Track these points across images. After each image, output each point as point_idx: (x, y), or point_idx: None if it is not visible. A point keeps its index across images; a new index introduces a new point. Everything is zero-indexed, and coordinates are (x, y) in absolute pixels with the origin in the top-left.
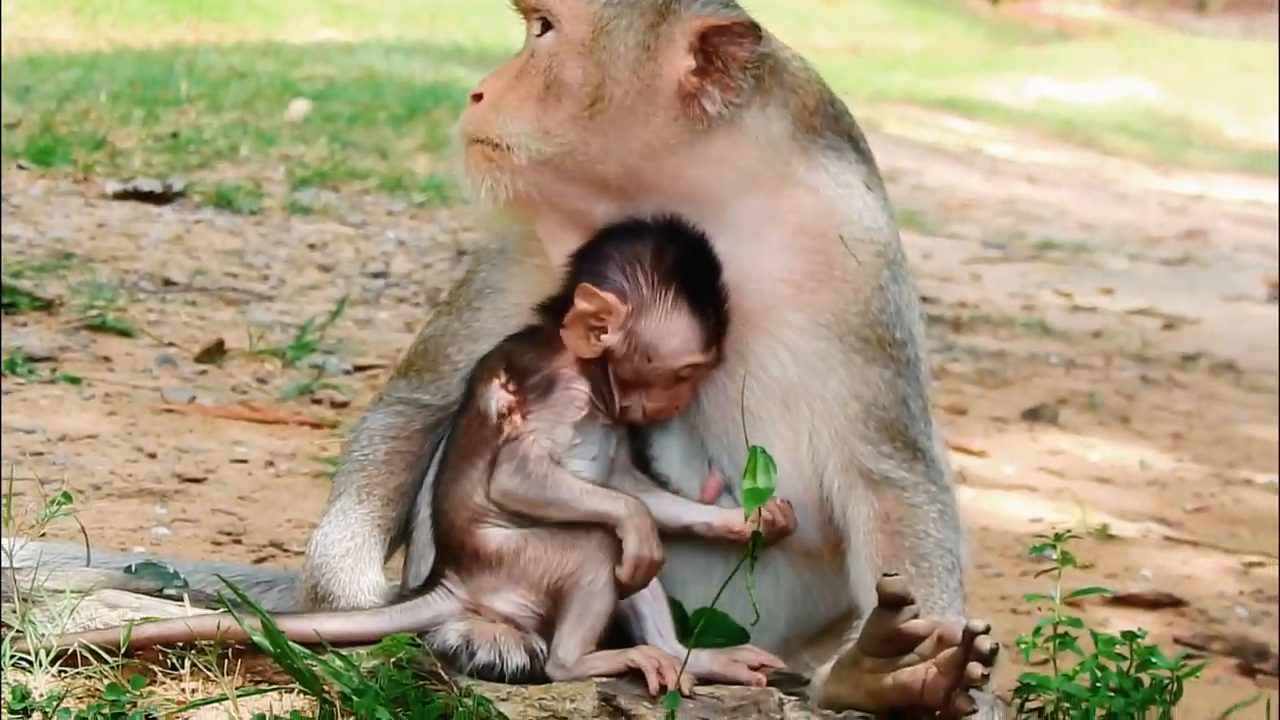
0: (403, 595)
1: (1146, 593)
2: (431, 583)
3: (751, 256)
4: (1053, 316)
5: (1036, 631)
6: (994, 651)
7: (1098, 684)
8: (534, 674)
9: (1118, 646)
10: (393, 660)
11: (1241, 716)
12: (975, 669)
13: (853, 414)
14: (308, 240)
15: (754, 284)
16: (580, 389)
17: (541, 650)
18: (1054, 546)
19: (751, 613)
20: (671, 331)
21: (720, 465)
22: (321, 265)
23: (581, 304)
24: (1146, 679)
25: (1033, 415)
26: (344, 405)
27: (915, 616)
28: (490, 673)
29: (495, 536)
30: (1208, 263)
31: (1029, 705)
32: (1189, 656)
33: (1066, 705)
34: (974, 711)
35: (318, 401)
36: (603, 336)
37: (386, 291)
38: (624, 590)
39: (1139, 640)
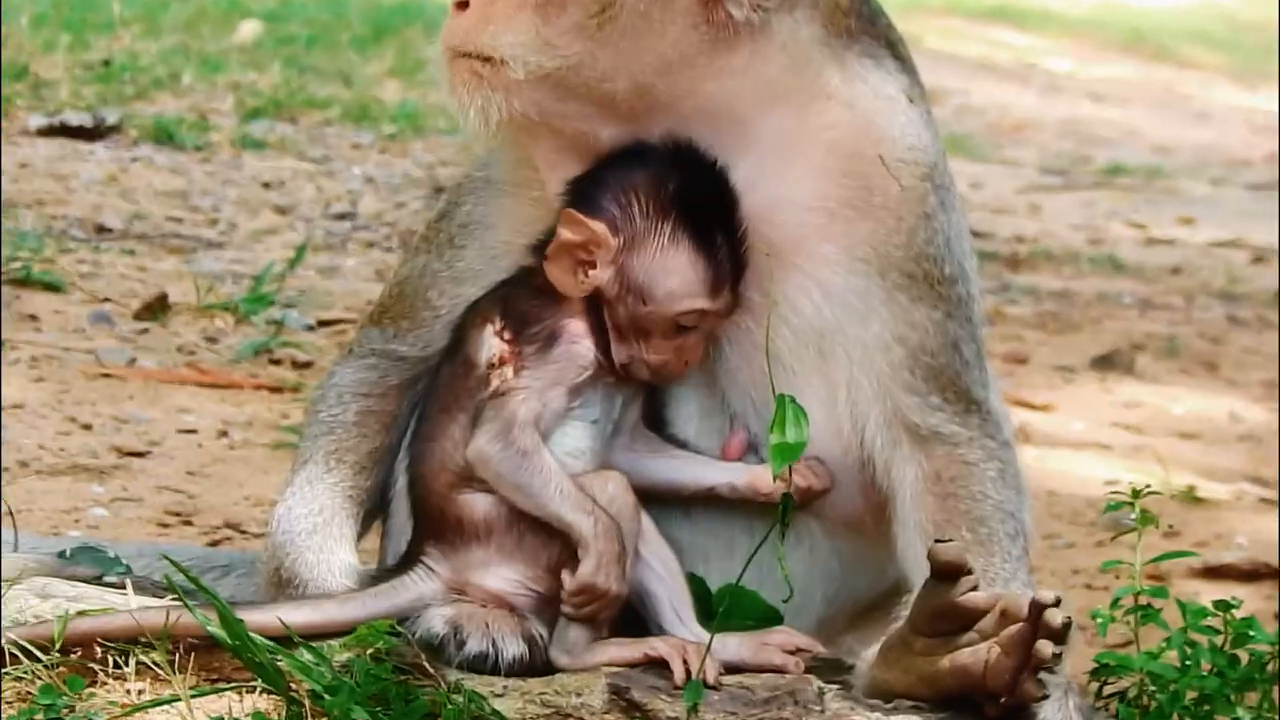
0: (377, 576)
1: (1241, 562)
2: (410, 560)
3: (778, 182)
4: (1124, 251)
5: (1115, 604)
6: (1067, 627)
7: (1187, 663)
8: (533, 664)
9: (1209, 619)
10: (369, 652)
11: None
12: (1045, 647)
13: (897, 360)
14: (261, 179)
15: (782, 214)
16: (585, 347)
17: (541, 636)
18: (1131, 505)
19: (784, 589)
20: (668, 270)
21: (744, 421)
22: (278, 207)
23: (566, 233)
24: (1244, 656)
25: (1104, 363)
26: (307, 365)
27: (974, 589)
28: (483, 664)
29: (481, 503)
30: None
31: (1108, 689)
32: None
33: (1152, 688)
34: (1045, 697)
35: (276, 362)
36: (591, 272)
37: (353, 235)
38: (572, 617)
39: (1234, 611)
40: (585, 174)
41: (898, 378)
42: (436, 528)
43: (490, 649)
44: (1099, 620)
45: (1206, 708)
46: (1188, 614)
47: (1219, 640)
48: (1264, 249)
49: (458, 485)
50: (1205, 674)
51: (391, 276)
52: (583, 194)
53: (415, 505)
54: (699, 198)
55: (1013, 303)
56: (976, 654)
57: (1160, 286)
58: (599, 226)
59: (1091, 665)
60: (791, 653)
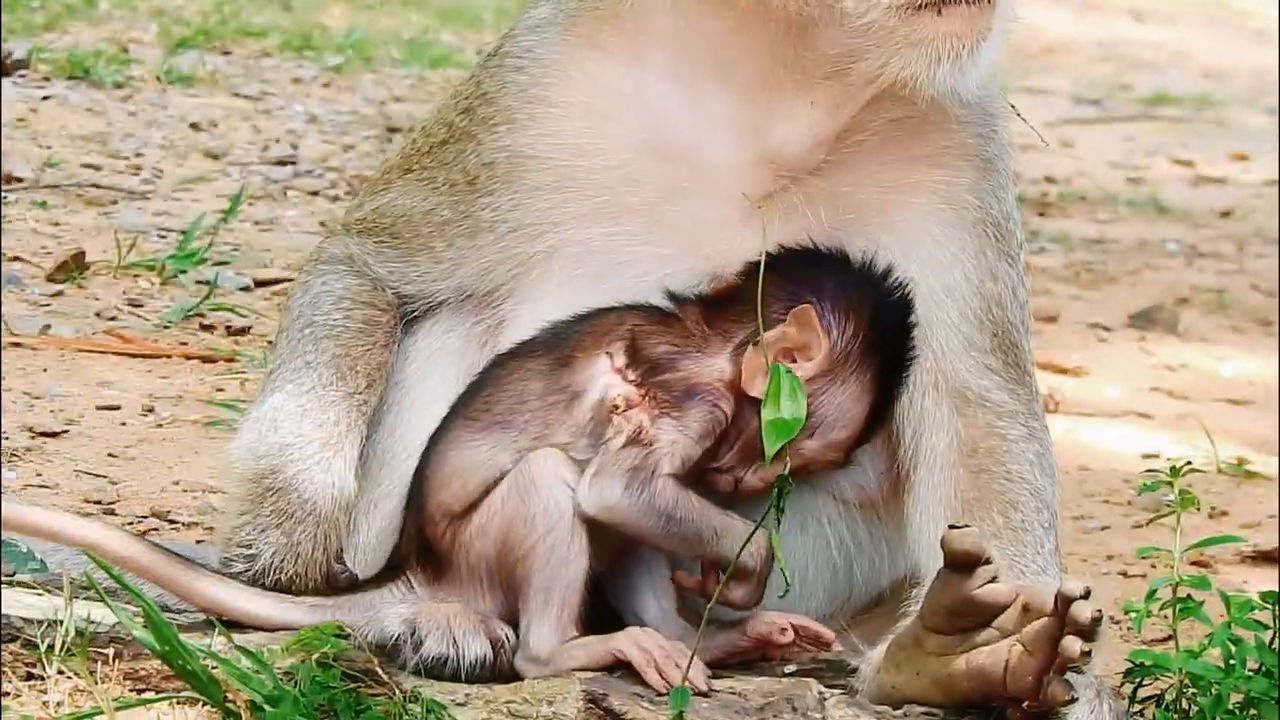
0: (337, 588)
1: None
2: (387, 577)
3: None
4: (1169, 192)
5: (1151, 596)
6: (1096, 621)
7: (1231, 662)
8: (498, 668)
9: (1255, 612)
10: (315, 657)
11: None
12: (1073, 645)
13: (970, 312)
14: (190, 118)
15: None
16: (723, 412)
17: (508, 638)
18: (1170, 484)
19: (780, 581)
20: (850, 418)
21: None
22: (209, 151)
23: (794, 332)
24: None
25: (1144, 320)
26: (243, 332)
27: (994, 580)
28: (442, 667)
29: (485, 536)
30: None
31: (1143, 691)
32: None
33: (1192, 690)
34: (1073, 700)
35: (208, 328)
36: (794, 365)
37: (294, 182)
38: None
39: None
40: (803, 269)
41: (964, 331)
42: (430, 549)
43: (450, 650)
44: (1133, 614)
45: (1253, 712)
46: (1232, 606)
47: (1267, 636)
48: None
49: (466, 512)
50: (1251, 674)
51: (376, 194)
52: (814, 292)
53: (416, 518)
54: (891, 336)
55: (1041, 252)
56: (996, 653)
57: (1209, 232)
58: (826, 343)
59: (1125, 665)
60: (788, 634)
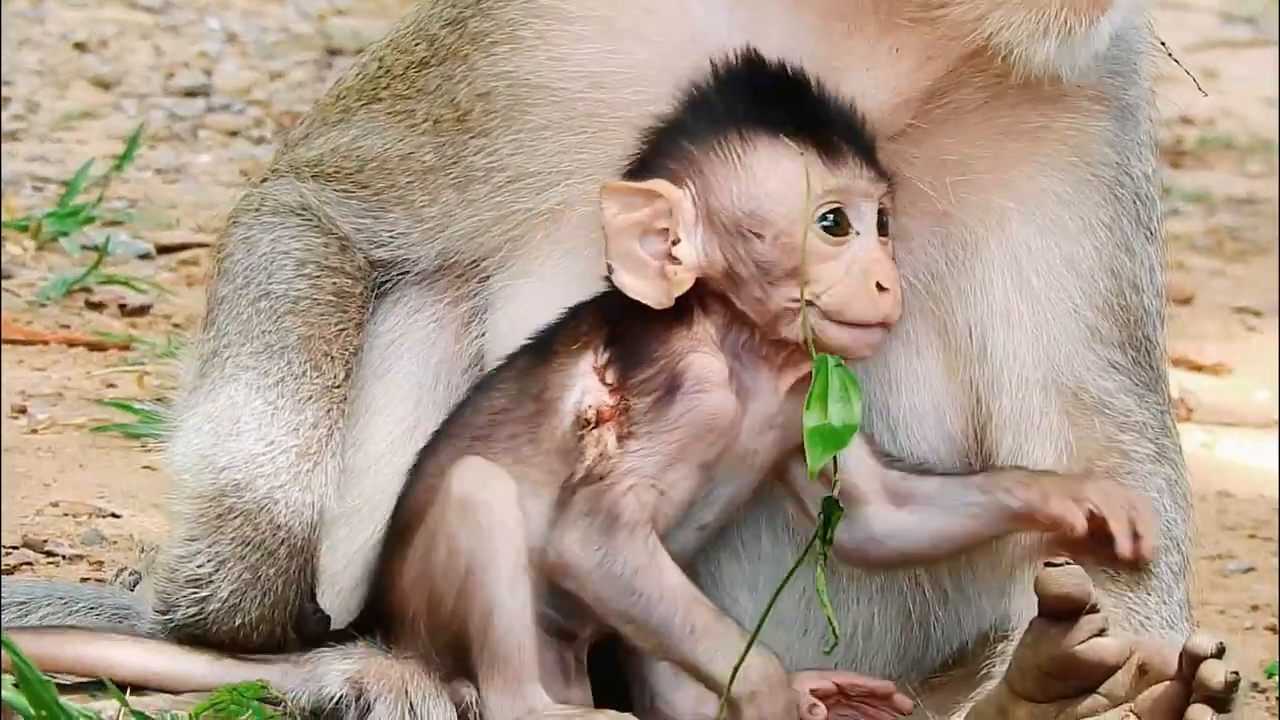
0: (307, 636)
1: None
2: (357, 631)
3: None
4: None
5: None
6: (1232, 686)
7: None
8: None
9: None
10: None
11: None
12: (1202, 715)
13: (1097, 295)
14: (73, 36)
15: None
16: (719, 398)
17: (475, 703)
18: None
19: (828, 635)
20: (760, 172)
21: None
22: (98, 78)
23: (619, 216)
24: None
25: None
26: (141, 311)
27: (1102, 633)
28: None
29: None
30: None
31: None
32: None
33: None
34: None
35: (97, 306)
36: (677, 251)
37: (208, 119)
38: None
39: None
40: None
41: (1088, 318)
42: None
43: (406, 717)
44: (1278, 679)
45: None
46: None
47: None
48: None
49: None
50: None
51: (326, 123)
52: (633, 171)
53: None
54: (744, 90)
55: (1174, 214)
56: None
57: None
58: (658, 184)
59: None
60: (831, 695)
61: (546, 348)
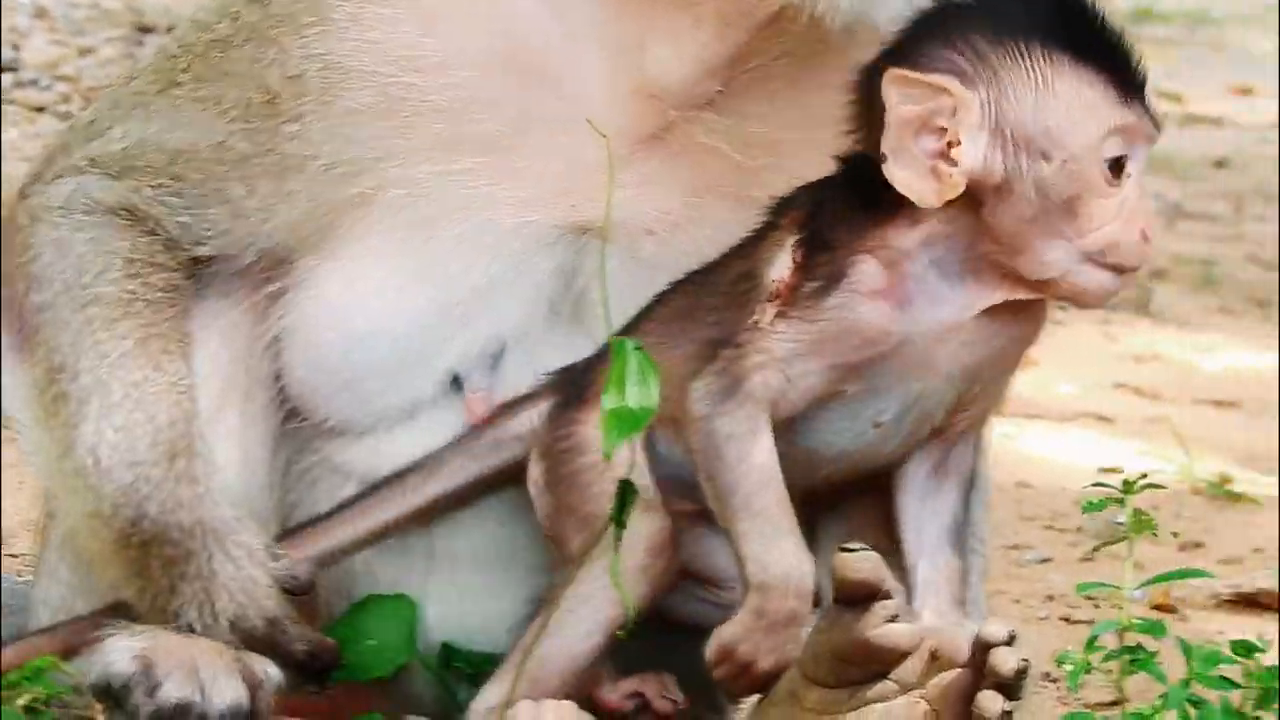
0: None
1: None
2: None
3: None
4: None
5: (1091, 645)
6: (1021, 674)
7: None
8: (254, 716)
9: (1221, 667)
10: (21, 701)
11: None
12: (991, 702)
13: None
14: None
15: None
16: (861, 308)
17: (268, 677)
18: (1120, 504)
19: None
20: (1063, 95)
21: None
22: None
23: (900, 107)
24: None
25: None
26: None
27: (895, 619)
28: (184, 717)
29: None
30: None
31: None
32: None
33: None
34: None
35: None
36: (957, 154)
37: (16, 94)
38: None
39: (1258, 656)
40: (886, 47)
41: None
42: None
43: (196, 696)
44: (1068, 667)
45: None
46: (1194, 660)
47: (1235, 698)
48: None
49: None
50: None
51: (118, 111)
52: (903, 55)
53: None
54: (1051, 6)
55: None
56: (893, 713)
57: (1199, 186)
58: (946, 80)
59: None
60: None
61: (761, 230)
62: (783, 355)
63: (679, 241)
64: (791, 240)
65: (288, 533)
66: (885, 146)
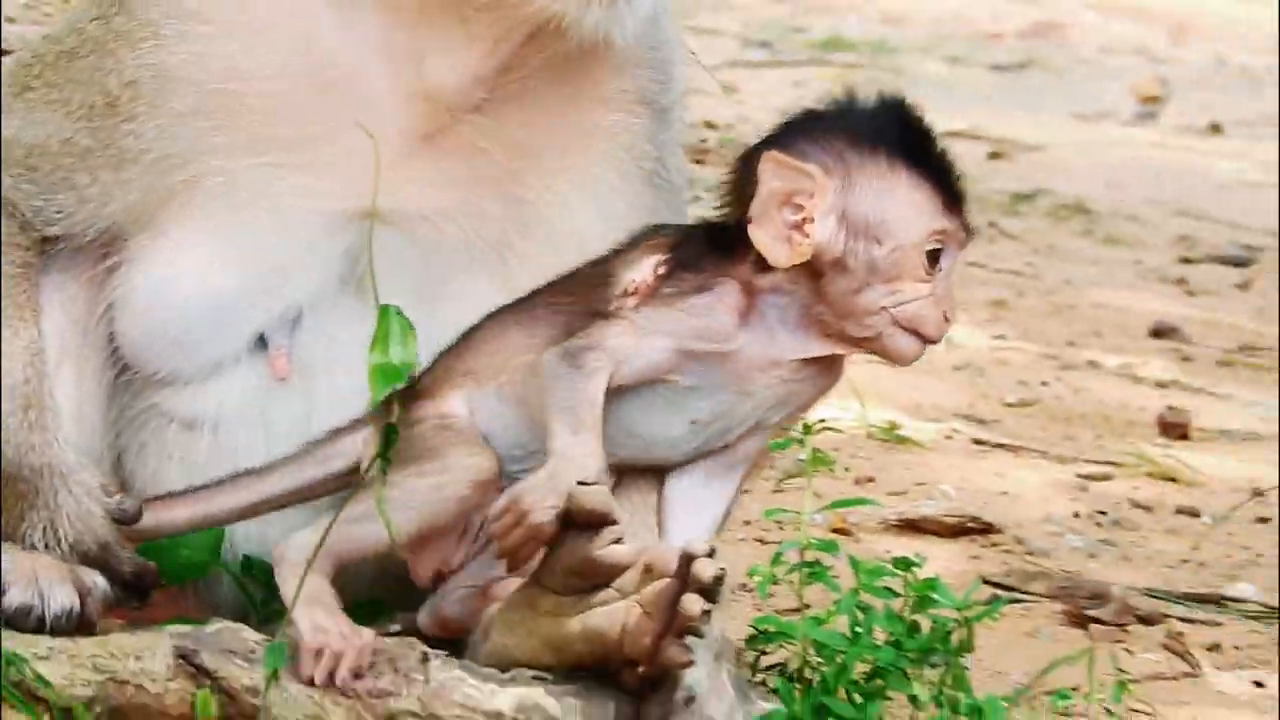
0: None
1: (944, 514)
2: None
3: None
4: None
5: (776, 559)
6: (718, 580)
7: (858, 630)
8: (86, 620)
9: (885, 579)
10: None
11: (1068, 677)
12: (692, 604)
13: None
14: None
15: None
16: (719, 311)
17: (95, 586)
18: (801, 443)
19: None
20: (897, 195)
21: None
22: None
23: (774, 181)
24: (926, 624)
25: None
26: None
27: (619, 540)
28: (26, 619)
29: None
30: (1060, 68)
31: (767, 659)
32: (998, 600)
33: (817, 659)
34: (690, 664)
35: None
36: (809, 228)
37: None
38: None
39: (916, 570)
40: (773, 132)
41: None
42: None
43: (35, 600)
44: (758, 579)
45: (879, 682)
46: (861, 573)
47: (897, 605)
48: (1004, 142)
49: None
50: (878, 644)
51: None
52: (780, 142)
53: None
54: (899, 125)
55: (696, 201)
56: (613, 615)
57: None
58: (811, 168)
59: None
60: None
61: (619, 249)
62: (642, 325)
63: (451, 228)
64: (657, 257)
65: (154, 499)
66: (753, 211)
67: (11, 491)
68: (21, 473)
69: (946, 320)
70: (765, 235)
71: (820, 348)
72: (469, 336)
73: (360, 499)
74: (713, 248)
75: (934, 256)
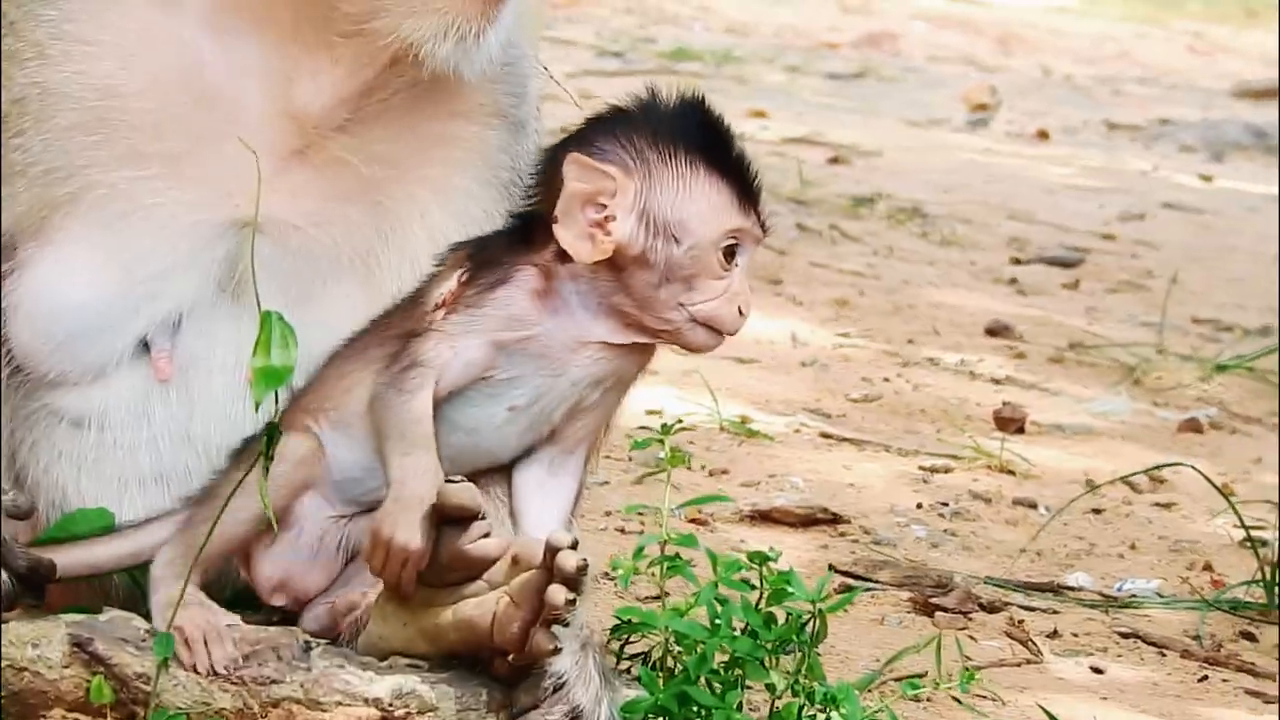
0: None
1: (795, 506)
2: None
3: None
4: None
5: (638, 553)
6: (582, 570)
7: (717, 621)
8: None
9: (743, 572)
10: None
11: (916, 664)
12: (558, 593)
13: None
14: None
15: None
16: (522, 305)
17: (48, 563)
18: (661, 441)
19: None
20: (696, 195)
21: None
22: None
23: (576, 183)
24: (781, 614)
25: None
26: None
27: (487, 535)
28: None
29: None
30: (893, 77)
31: (631, 648)
32: (848, 589)
33: (678, 648)
34: (557, 651)
35: None
36: (611, 226)
37: None
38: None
39: (771, 563)
40: (575, 131)
41: None
42: None
43: None
44: (620, 571)
45: (737, 671)
46: (719, 566)
47: (753, 596)
48: (843, 148)
49: None
50: (737, 634)
51: None
52: (581, 142)
53: None
54: (698, 125)
55: None
56: (483, 605)
57: None
58: (612, 169)
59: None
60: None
61: (432, 272)
62: (452, 331)
63: (320, 236)
64: (457, 271)
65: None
66: (558, 210)
67: None
68: None
69: (741, 314)
70: (569, 234)
71: (621, 336)
72: (317, 374)
73: (213, 504)
74: (514, 240)
75: (730, 253)
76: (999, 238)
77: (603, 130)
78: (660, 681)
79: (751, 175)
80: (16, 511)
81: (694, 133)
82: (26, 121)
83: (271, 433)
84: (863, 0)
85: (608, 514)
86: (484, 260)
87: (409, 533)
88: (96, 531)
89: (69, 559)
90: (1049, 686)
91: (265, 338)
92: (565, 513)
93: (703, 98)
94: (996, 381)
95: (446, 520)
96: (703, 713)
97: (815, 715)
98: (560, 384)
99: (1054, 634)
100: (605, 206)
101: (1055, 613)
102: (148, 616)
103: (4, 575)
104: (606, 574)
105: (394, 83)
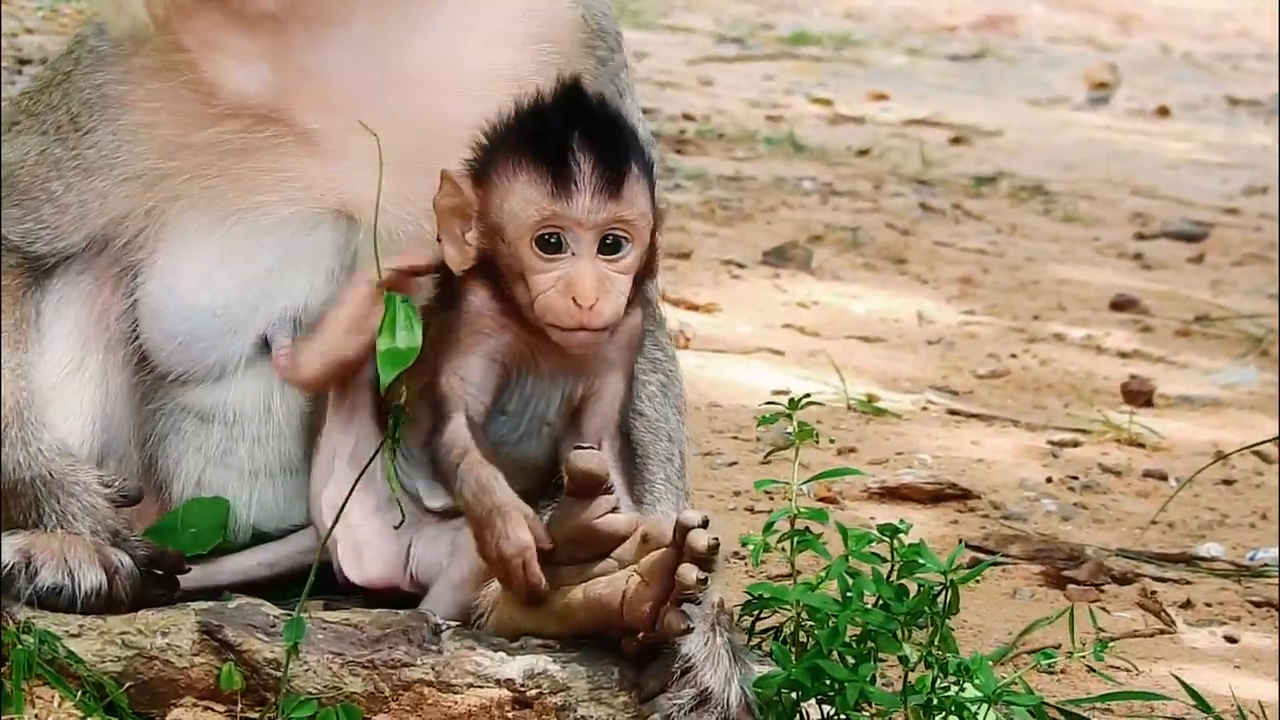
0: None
1: (924, 482)
2: None
3: (468, 51)
4: (806, 130)
5: (768, 528)
6: (713, 549)
7: (849, 594)
8: (114, 597)
9: (874, 545)
10: None
11: (1048, 636)
12: (689, 573)
13: None
14: None
15: (465, 88)
16: (475, 305)
17: (123, 565)
18: (789, 418)
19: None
20: (509, 192)
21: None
22: None
23: (441, 199)
24: (913, 587)
25: (778, 256)
26: None
27: (615, 510)
28: (57, 598)
29: None
30: (1013, 58)
31: (762, 624)
32: (978, 563)
33: (810, 623)
34: (688, 630)
35: None
36: (468, 236)
37: None
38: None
39: (902, 536)
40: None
41: None
42: None
43: (66, 580)
44: (751, 547)
45: (870, 644)
46: (849, 540)
47: (884, 569)
48: (964, 128)
49: None
50: (868, 607)
51: None
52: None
53: None
54: (531, 119)
55: (677, 189)
56: (614, 584)
57: (845, 171)
58: (465, 181)
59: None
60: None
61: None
62: (451, 361)
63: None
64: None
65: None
66: (437, 226)
67: (18, 506)
68: (17, 489)
69: (578, 304)
70: (446, 246)
71: (543, 334)
72: None
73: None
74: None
75: (547, 243)
76: (1122, 213)
77: (484, 141)
78: (793, 656)
79: (581, 160)
80: (125, 498)
81: (529, 135)
82: (96, 122)
83: (398, 415)
84: None
85: (736, 494)
86: (440, 299)
87: (515, 537)
88: (213, 521)
89: (219, 570)
90: (1183, 656)
91: (390, 319)
92: (622, 495)
93: (571, 85)
94: (1123, 355)
95: (574, 492)
96: (836, 686)
97: (949, 687)
98: (540, 379)
99: (1187, 604)
100: (470, 218)
101: (1188, 583)
102: (275, 602)
103: (128, 564)
104: (736, 553)
105: None
